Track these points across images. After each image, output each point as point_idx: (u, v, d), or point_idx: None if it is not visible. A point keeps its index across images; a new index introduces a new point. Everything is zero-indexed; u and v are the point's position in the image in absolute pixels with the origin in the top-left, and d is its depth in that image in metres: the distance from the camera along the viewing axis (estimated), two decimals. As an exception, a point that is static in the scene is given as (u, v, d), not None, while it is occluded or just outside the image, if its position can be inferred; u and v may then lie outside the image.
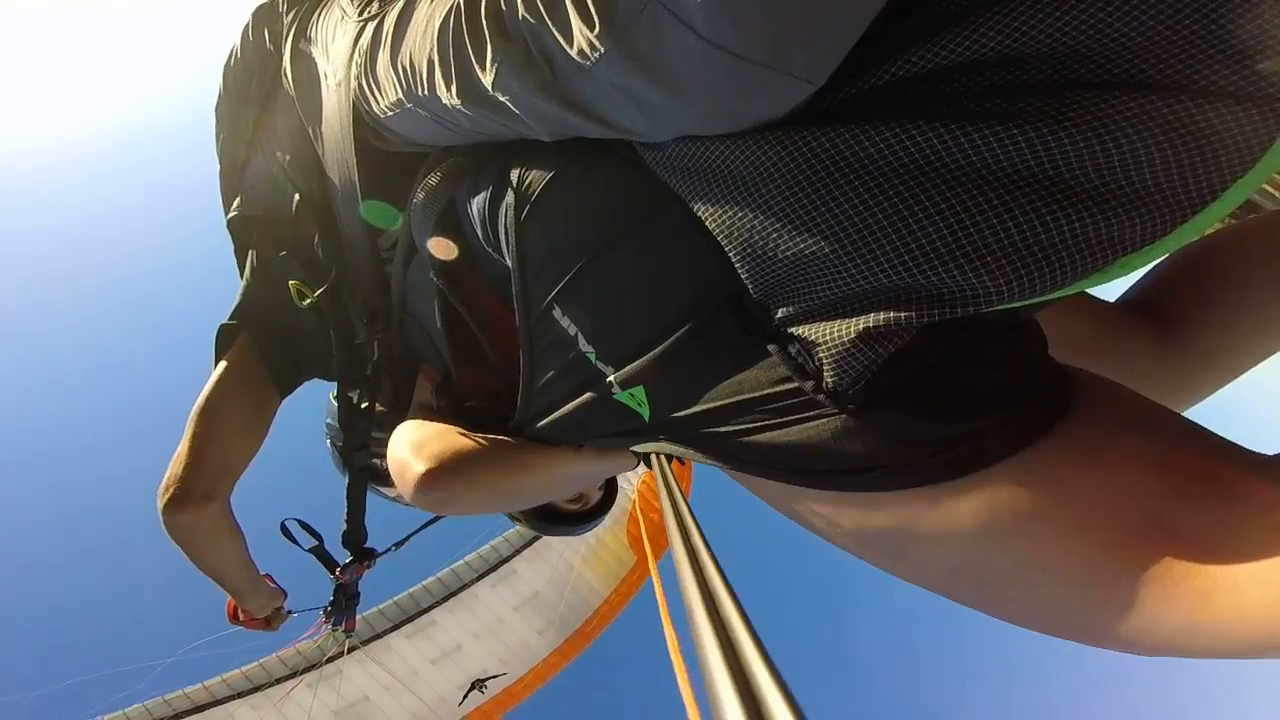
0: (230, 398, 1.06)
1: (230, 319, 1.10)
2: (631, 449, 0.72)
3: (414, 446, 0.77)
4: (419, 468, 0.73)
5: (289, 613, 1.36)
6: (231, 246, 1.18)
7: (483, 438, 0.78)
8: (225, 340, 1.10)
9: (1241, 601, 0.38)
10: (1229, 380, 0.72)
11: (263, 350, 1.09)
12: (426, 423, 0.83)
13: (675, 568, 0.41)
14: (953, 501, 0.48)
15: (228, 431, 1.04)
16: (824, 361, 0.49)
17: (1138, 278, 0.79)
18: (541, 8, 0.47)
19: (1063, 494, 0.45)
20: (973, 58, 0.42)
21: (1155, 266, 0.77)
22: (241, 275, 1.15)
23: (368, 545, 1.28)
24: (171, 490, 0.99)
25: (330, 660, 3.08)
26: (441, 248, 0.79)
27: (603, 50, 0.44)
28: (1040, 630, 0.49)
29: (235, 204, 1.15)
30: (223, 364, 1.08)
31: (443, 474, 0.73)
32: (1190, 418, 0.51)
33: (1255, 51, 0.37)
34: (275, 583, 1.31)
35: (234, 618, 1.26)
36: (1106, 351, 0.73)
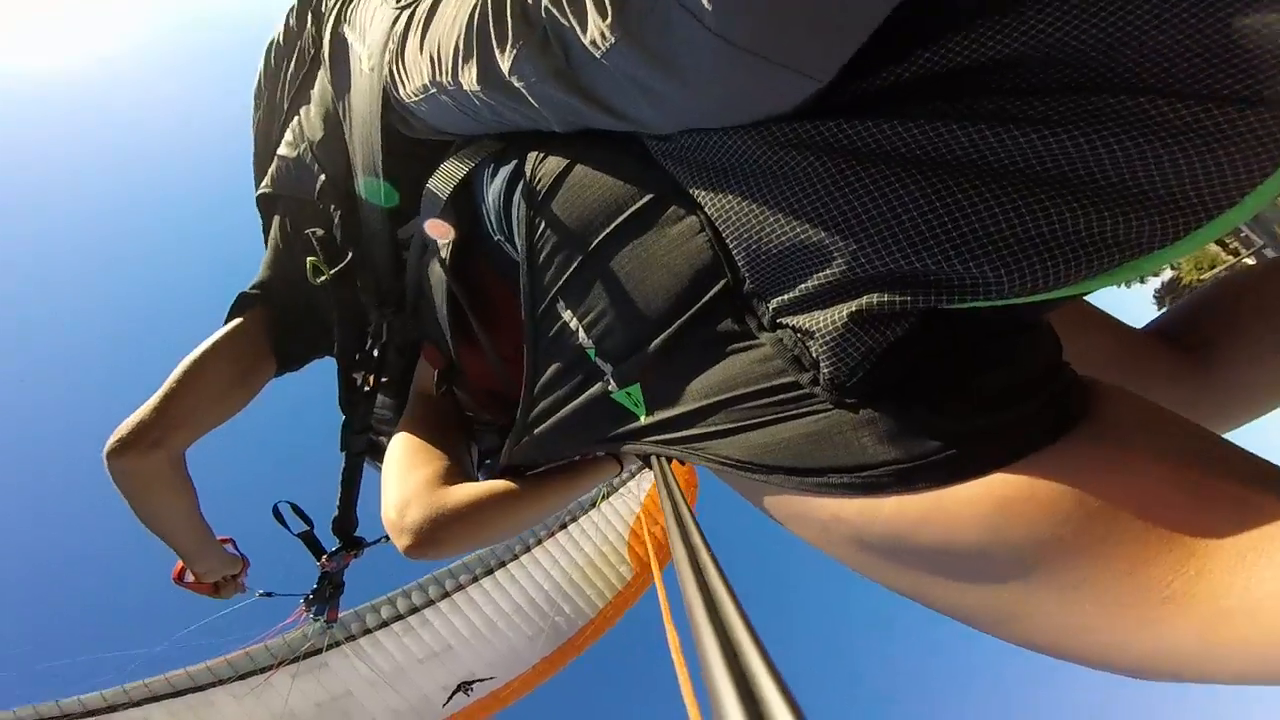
0: (220, 356, 1.06)
1: (252, 288, 1.12)
2: (630, 450, 0.71)
3: (399, 509, 0.83)
4: (404, 541, 0.81)
5: (244, 583, 1.30)
6: (260, 222, 1.21)
7: (466, 493, 0.83)
8: (240, 306, 1.11)
9: (1265, 624, 0.36)
10: (1252, 418, 0.70)
11: (276, 323, 1.11)
12: (415, 466, 0.88)
13: (675, 568, 0.40)
14: (960, 505, 0.44)
15: (204, 386, 1.03)
16: (820, 352, 0.48)
17: (1166, 311, 0.78)
18: None
19: (1081, 501, 0.42)
20: (979, 60, 0.42)
21: (1184, 298, 0.76)
22: (266, 247, 1.18)
23: (357, 534, 1.28)
24: (121, 433, 0.97)
25: (314, 653, 3.06)
26: (439, 229, 0.81)
27: (613, 40, 0.46)
28: (1049, 653, 0.46)
29: (264, 181, 1.18)
30: (228, 325, 1.09)
31: (425, 546, 0.81)
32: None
33: (1270, 57, 0.37)
34: (237, 550, 1.27)
35: (179, 579, 1.21)
36: (1128, 373, 0.71)
